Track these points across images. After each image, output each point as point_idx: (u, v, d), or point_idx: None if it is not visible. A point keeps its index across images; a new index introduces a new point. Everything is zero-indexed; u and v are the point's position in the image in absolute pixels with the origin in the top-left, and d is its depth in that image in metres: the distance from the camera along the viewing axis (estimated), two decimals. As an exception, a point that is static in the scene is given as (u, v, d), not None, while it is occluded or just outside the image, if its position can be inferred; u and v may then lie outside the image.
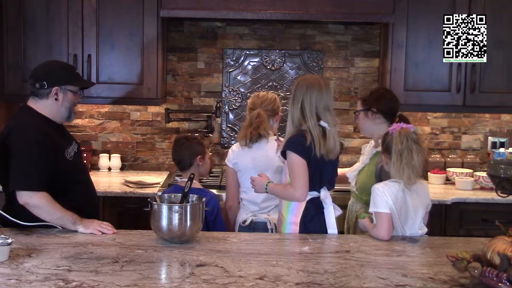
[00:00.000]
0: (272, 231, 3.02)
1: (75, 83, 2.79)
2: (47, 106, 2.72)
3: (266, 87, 4.28)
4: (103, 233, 2.55)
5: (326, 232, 2.68)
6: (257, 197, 3.11)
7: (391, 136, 2.57)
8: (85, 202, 2.79)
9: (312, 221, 2.68)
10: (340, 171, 2.96)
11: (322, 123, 2.66)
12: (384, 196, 2.51)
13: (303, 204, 2.68)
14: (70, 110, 2.77)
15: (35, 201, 2.56)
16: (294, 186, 2.64)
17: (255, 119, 3.13)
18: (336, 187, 2.90)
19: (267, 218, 3.07)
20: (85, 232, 2.56)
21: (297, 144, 2.64)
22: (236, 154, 3.21)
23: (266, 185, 2.76)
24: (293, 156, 2.63)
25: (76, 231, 2.57)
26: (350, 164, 3.76)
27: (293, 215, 2.69)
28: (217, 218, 3.04)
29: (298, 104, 2.67)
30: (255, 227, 3.07)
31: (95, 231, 2.56)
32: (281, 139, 2.90)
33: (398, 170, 2.52)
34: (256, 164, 3.09)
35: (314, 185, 2.68)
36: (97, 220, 2.66)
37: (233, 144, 4.29)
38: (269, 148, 3.10)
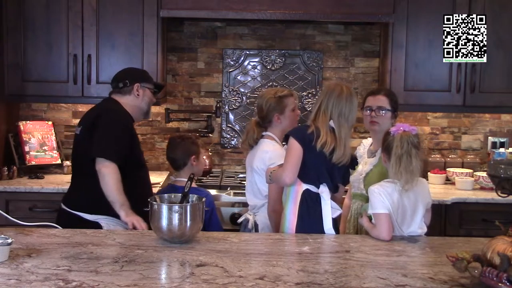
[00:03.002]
0: (251, 231, 3.04)
1: (151, 82, 3.17)
2: (129, 102, 3.06)
3: (266, 87, 4.27)
4: (135, 228, 2.70)
5: (322, 227, 2.70)
6: (246, 196, 3.19)
7: (393, 137, 2.57)
8: (143, 189, 3.04)
9: (308, 215, 2.70)
10: None
11: (331, 123, 2.71)
12: (380, 197, 2.51)
13: (300, 193, 2.72)
14: (149, 105, 3.14)
15: (107, 170, 2.78)
16: (282, 168, 2.72)
17: (245, 131, 3.22)
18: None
19: (249, 218, 3.10)
20: (123, 219, 2.73)
21: (298, 131, 2.76)
22: None
23: (271, 174, 2.82)
24: (291, 141, 2.72)
25: (75, 230, 2.58)
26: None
27: (292, 204, 2.73)
28: (212, 217, 3.05)
29: (318, 104, 2.77)
30: (246, 225, 3.13)
31: (130, 223, 2.70)
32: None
33: (396, 173, 2.53)
34: (251, 164, 3.12)
35: (311, 178, 2.72)
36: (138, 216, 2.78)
37: (233, 145, 4.33)
38: (256, 152, 3.11)
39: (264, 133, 3.13)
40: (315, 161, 2.69)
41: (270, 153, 2.99)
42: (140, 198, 2.93)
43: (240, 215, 3.27)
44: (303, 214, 2.71)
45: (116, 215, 2.80)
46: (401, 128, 2.58)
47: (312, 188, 2.72)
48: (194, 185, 3.17)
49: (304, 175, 2.71)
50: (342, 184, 2.86)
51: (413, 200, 2.57)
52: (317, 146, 2.66)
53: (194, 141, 3.27)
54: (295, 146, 2.69)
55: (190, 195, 2.55)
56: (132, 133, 3.00)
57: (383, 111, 2.93)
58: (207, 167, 4.00)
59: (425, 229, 2.63)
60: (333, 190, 2.77)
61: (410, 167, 2.51)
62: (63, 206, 2.98)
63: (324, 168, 2.71)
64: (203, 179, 3.94)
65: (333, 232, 2.70)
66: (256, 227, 3.05)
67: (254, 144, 3.14)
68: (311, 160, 2.69)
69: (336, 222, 2.80)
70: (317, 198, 2.72)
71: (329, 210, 2.71)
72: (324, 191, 2.71)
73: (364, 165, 2.96)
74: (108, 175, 2.78)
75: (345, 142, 2.70)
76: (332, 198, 2.76)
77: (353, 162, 2.84)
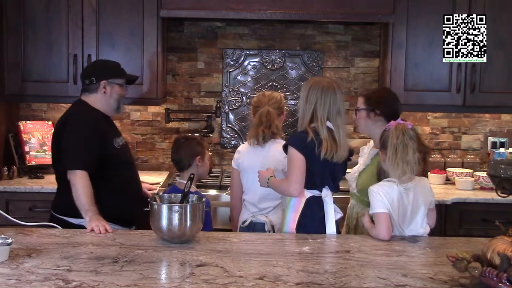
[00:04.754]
0: (269, 233, 3.01)
1: (120, 76, 3.08)
2: (98, 100, 3.00)
3: (266, 87, 4.28)
4: (92, 230, 2.57)
5: (325, 232, 2.68)
6: (255, 198, 3.12)
7: (388, 131, 2.57)
8: (127, 186, 3.00)
9: (311, 220, 2.68)
10: None
11: (328, 123, 2.67)
12: (379, 196, 2.50)
13: (303, 202, 2.68)
14: (118, 101, 3.06)
15: (75, 178, 2.75)
16: (288, 181, 2.66)
17: (265, 117, 3.10)
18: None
19: (265, 220, 3.07)
20: (87, 225, 2.63)
21: (298, 139, 2.66)
22: (241, 154, 3.20)
23: (268, 179, 2.77)
24: (292, 151, 2.64)
25: (75, 230, 2.59)
26: (349, 164, 3.75)
27: (293, 212, 2.69)
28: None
29: (311, 106, 2.68)
30: (254, 228, 3.07)
31: (89, 227, 2.59)
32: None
33: (392, 164, 2.51)
34: (261, 164, 3.02)
35: (315, 183, 2.68)
36: (104, 220, 2.67)
37: (233, 145, 4.32)
38: (276, 149, 3.05)
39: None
40: (319, 167, 2.65)
41: None
42: (127, 197, 2.95)
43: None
44: (306, 220, 2.67)
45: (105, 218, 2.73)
46: (396, 122, 2.59)
47: (315, 193, 2.70)
48: (193, 188, 3.14)
49: (308, 182, 2.66)
50: (343, 175, 2.84)
51: (413, 200, 2.56)
52: (322, 155, 2.61)
53: (199, 141, 3.23)
54: (298, 157, 2.62)
55: (190, 195, 2.55)
56: (101, 134, 2.91)
57: (358, 111, 2.99)
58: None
59: (428, 230, 2.62)
60: (335, 189, 2.76)
61: (406, 158, 2.50)
62: (51, 211, 2.98)
63: (328, 171, 2.69)
64: (203, 179, 3.93)
65: (335, 235, 2.69)
66: (273, 229, 3.03)
67: (268, 140, 3.09)
68: (315, 166, 2.65)
69: (337, 225, 2.77)
70: (320, 202, 2.70)
71: (332, 213, 2.69)
72: (327, 195, 2.70)
73: (360, 166, 3.00)
74: (77, 183, 2.74)
75: (344, 141, 2.68)
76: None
77: (351, 153, 2.80)
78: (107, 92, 3.00)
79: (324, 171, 2.68)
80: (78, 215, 2.76)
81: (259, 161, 3.07)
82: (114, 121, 4.20)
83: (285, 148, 2.71)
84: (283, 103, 3.20)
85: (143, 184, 3.32)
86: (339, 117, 2.69)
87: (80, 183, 2.74)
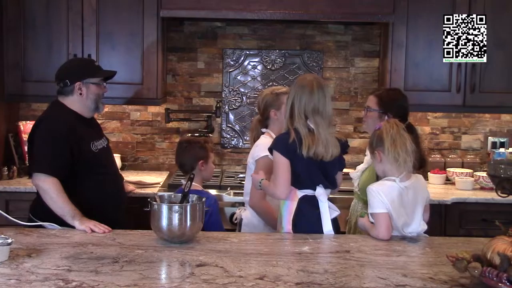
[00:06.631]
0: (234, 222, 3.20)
1: (95, 75, 2.94)
2: (75, 102, 2.89)
3: (266, 87, 4.27)
4: (93, 231, 2.55)
5: (321, 231, 2.67)
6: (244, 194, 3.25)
7: (379, 129, 2.59)
8: (105, 193, 2.88)
9: (306, 220, 2.67)
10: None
11: (309, 122, 2.65)
12: (379, 196, 2.49)
13: (295, 202, 2.68)
14: (96, 101, 2.93)
15: (45, 185, 2.68)
16: (274, 184, 2.66)
17: (250, 130, 3.27)
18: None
19: (237, 212, 3.19)
20: (79, 228, 2.59)
21: (280, 142, 2.66)
22: None
23: (260, 182, 2.78)
24: (275, 154, 2.65)
25: (75, 230, 2.59)
26: (350, 164, 3.76)
27: (287, 213, 2.69)
28: (211, 218, 3.03)
29: (289, 104, 2.68)
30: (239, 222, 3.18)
31: (87, 228, 2.56)
32: None
33: (393, 154, 2.50)
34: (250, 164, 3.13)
35: (305, 183, 2.67)
36: (94, 221, 2.64)
37: (233, 145, 4.33)
38: (257, 143, 3.12)
39: (264, 130, 3.14)
40: (306, 167, 2.63)
41: (259, 146, 3.00)
42: (104, 201, 2.86)
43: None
44: (300, 220, 2.66)
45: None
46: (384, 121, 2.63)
47: (308, 192, 2.69)
48: (199, 187, 3.14)
49: (298, 183, 2.66)
50: (340, 170, 2.81)
51: (412, 197, 2.56)
52: (304, 153, 2.60)
53: (202, 145, 3.21)
54: (281, 160, 2.61)
55: (190, 195, 2.55)
56: (75, 138, 2.79)
57: (368, 111, 3.02)
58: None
59: (425, 227, 2.62)
60: (331, 186, 2.75)
61: (406, 145, 2.51)
62: (31, 216, 2.83)
63: (317, 169, 2.66)
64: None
65: (332, 233, 2.68)
66: (240, 222, 3.09)
67: (257, 139, 3.15)
68: (302, 167, 2.63)
69: (336, 223, 2.77)
70: (313, 201, 2.69)
71: (326, 210, 2.68)
72: (321, 194, 2.68)
73: (363, 165, 3.02)
74: (49, 189, 2.67)
75: (326, 139, 2.63)
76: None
77: (344, 147, 2.78)
78: (83, 94, 2.88)
79: (311, 170, 2.65)
80: (58, 222, 2.68)
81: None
82: (113, 121, 4.30)
83: (270, 151, 2.71)
84: (264, 103, 3.15)
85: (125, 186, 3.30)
86: (318, 116, 2.63)
87: (54, 188, 2.66)
